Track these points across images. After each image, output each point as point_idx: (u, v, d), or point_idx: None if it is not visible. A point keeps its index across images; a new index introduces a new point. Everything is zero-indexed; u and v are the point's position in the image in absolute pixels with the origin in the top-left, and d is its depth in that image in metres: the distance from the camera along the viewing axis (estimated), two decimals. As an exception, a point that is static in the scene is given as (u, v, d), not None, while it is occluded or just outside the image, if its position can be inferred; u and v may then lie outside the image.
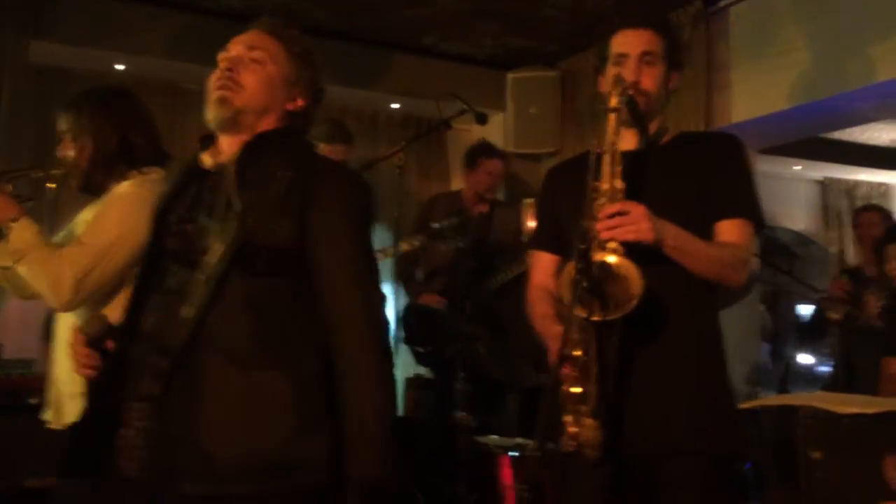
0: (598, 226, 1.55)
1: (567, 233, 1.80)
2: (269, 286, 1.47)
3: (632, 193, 1.61)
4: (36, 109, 3.93)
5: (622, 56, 1.78)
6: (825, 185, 7.00)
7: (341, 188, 1.55)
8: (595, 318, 1.50)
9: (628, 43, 1.78)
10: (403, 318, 3.71)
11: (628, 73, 1.73)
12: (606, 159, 1.61)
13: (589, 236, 1.55)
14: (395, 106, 5.02)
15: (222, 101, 1.52)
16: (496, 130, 4.78)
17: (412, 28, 4.51)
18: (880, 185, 7.12)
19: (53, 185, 2.19)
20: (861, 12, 3.48)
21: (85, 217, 2.08)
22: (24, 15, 3.86)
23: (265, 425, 1.42)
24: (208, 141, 1.60)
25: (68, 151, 2.06)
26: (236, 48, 1.57)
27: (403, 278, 3.90)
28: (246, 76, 1.54)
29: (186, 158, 1.64)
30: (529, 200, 4.40)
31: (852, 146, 6.24)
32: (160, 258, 1.53)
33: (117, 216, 1.94)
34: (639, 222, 1.54)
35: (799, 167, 6.55)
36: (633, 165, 1.70)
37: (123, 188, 2.01)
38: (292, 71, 1.59)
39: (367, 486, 1.42)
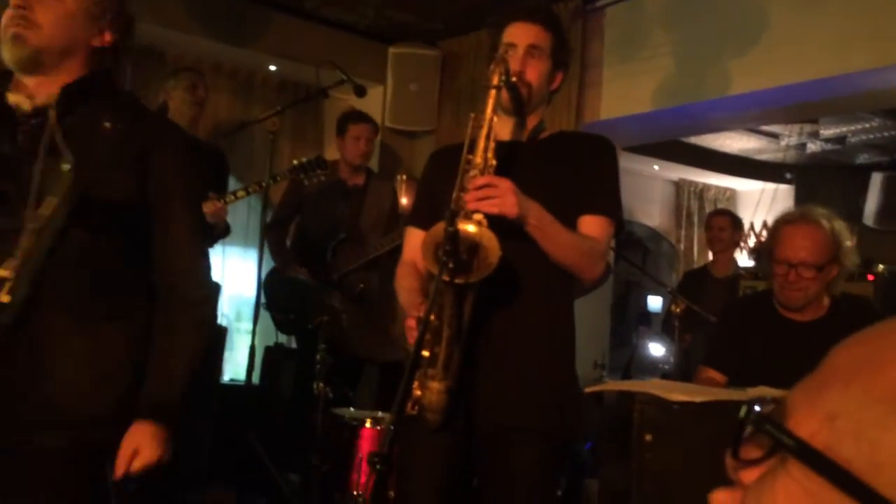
0: (466, 196, 1.60)
1: (442, 213, 1.84)
2: (104, 240, 1.47)
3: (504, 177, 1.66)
4: None
5: (510, 46, 1.84)
6: (679, 186, 7.47)
7: (178, 146, 1.58)
8: (447, 280, 1.51)
9: (518, 34, 1.84)
10: (267, 284, 3.64)
11: (514, 63, 1.78)
12: (482, 133, 1.66)
13: (459, 205, 1.60)
14: (273, 68, 4.88)
15: (17, 40, 1.43)
16: (375, 104, 4.75)
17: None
18: (727, 189, 7.69)
19: None
20: (722, 27, 3.72)
21: None
22: None
23: (107, 378, 1.46)
24: (5, 78, 1.51)
25: None
26: None
27: (273, 245, 3.82)
28: (42, 13, 1.44)
29: None
30: (403, 177, 4.45)
31: (706, 151, 6.67)
32: None
33: None
34: (504, 196, 1.59)
35: (657, 167, 6.95)
36: (508, 154, 1.76)
37: None
38: (95, 3, 1.50)
39: (159, 404, 1.50)
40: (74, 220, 1.41)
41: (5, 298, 1.35)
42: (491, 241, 1.54)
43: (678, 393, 1.74)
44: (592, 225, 1.84)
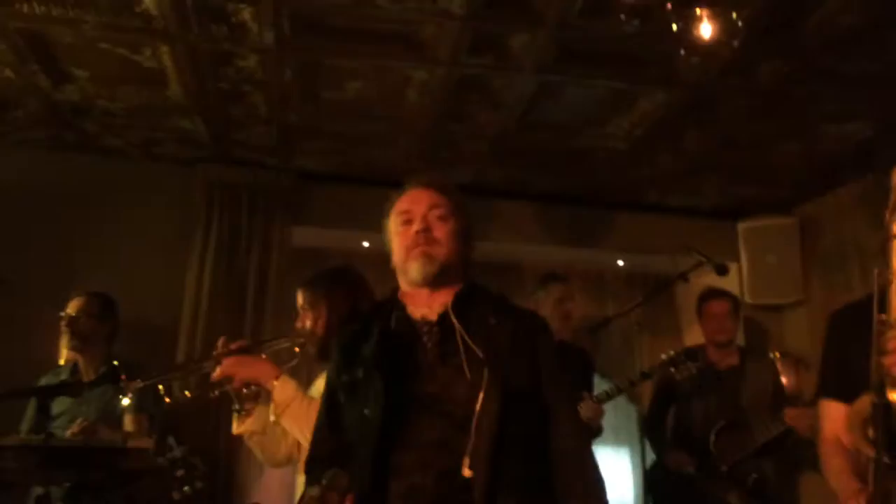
0: (888, 361, 1.44)
1: (857, 379, 1.66)
2: (526, 428, 1.53)
3: None
4: (296, 286, 4.38)
5: None
6: None
7: (550, 336, 1.69)
8: (889, 462, 1.31)
9: None
10: (650, 480, 3.49)
11: None
12: (893, 290, 1.50)
13: (882, 372, 1.42)
14: (620, 263, 5.00)
15: (427, 257, 1.65)
16: (731, 282, 4.57)
17: (634, 188, 4.57)
18: None
19: (297, 350, 2.40)
20: None
21: (320, 385, 2.24)
22: (288, 206, 4.42)
23: None
24: (392, 303, 1.71)
25: (306, 322, 2.29)
26: (419, 208, 1.72)
27: (654, 442, 3.69)
28: (438, 231, 1.69)
29: (376, 312, 1.75)
30: (777, 354, 4.10)
31: None
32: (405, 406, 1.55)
33: None
34: None
35: None
36: None
37: None
38: (464, 222, 1.76)
39: None
40: (504, 412, 1.48)
41: (467, 473, 1.44)
42: None
43: None
44: None
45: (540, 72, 3.20)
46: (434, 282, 1.66)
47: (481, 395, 1.47)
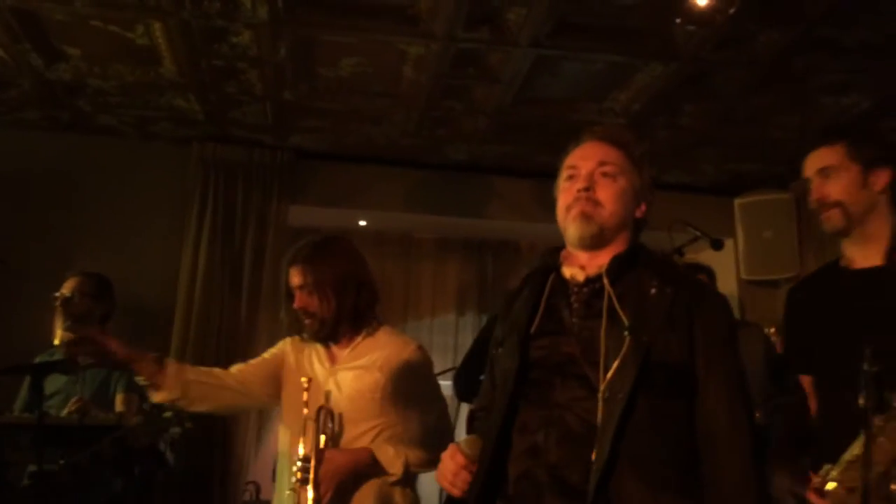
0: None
1: (817, 352, 1.78)
2: (668, 406, 1.44)
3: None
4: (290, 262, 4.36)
5: None
6: None
7: (719, 308, 1.54)
8: None
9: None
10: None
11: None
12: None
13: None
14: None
15: (585, 218, 1.55)
16: (727, 257, 4.59)
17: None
18: None
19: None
20: None
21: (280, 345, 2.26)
22: (285, 184, 4.40)
23: None
24: (553, 256, 1.64)
25: (309, 304, 2.16)
26: (587, 164, 1.61)
27: None
28: (602, 193, 1.57)
29: (537, 270, 1.65)
30: (773, 329, 4.11)
31: None
32: (526, 369, 1.52)
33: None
34: None
35: None
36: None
37: (415, 355, 2.18)
38: (637, 179, 1.61)
39: None
40: (640, 383, 1.40)
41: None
42: None
43: None
44: None
45: (536, 45, 3.17)
46: (592, 244, 1.56)
47: (616, 363, 1.41)
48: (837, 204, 1.81)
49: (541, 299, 1.58)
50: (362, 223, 4.83)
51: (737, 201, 4.78)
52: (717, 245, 3.48)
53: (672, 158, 4.45)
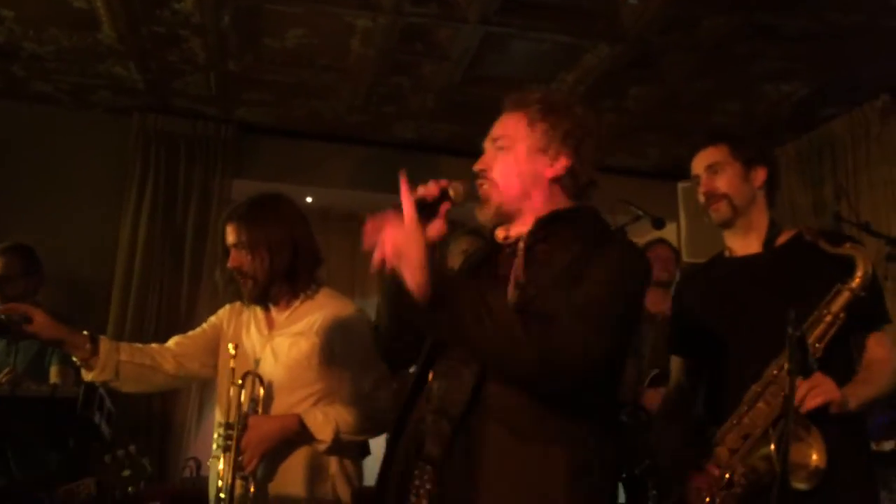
0: None
1: (698, 333, 1.96)
2: None
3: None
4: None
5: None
6: None
7: (615, 253, 1.45)
8: None
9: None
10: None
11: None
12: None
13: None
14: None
15: (483, 202, 1.54)
16: (669, 240, 4.66)
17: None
18: None
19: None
20: None
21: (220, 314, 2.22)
22: (229, 158, 4.32)
23: (540, 500, 1.36)
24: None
25: (242, 262, 2.09)
26: (487, 143, 1.58)
27: None
28: (496, 170, 1.53)
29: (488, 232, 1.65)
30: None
31: None
32: None
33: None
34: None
35: None
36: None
37: (353, 317, 2.14)
38: (539, 137, 1.54)
39: None
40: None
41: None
42: None
43: None
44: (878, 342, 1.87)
45: (485, 22, 3.17)
46: (499, 222, 1.54)
47: None
48: (725, 196, 1.96)
49: (477, 262, 1.62)
50: (308, 200, 4.77)
51: (680, 185, 4.86)
52: (659, 224, 3.53)
53: (618, 140, 4.51)
